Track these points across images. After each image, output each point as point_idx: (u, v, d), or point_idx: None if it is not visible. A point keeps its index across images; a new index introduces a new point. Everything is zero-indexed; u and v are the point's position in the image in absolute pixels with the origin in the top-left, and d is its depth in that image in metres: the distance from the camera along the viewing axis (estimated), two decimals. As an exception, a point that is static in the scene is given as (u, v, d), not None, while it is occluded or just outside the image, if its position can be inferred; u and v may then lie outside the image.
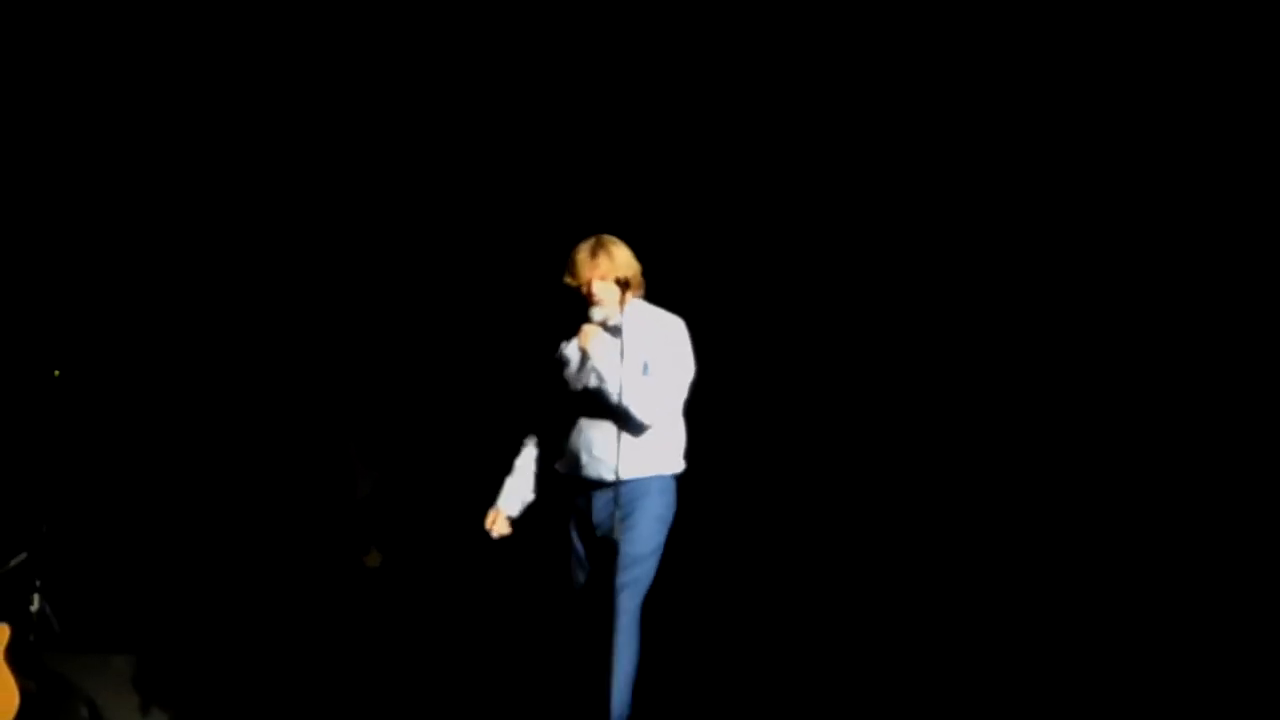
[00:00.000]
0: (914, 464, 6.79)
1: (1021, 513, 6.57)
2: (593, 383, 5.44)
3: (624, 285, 5.39)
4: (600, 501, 5.41)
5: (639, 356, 5.41)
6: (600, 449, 5.39)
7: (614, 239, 5.48)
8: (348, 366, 7.51)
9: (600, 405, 5.39)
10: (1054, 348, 6.60)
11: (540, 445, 5.60)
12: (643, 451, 5.39)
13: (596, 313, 5.45)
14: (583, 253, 5.45)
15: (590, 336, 5.44)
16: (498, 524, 5.55)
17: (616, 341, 5.40)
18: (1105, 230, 6.51)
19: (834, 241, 6.99)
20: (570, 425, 5.47)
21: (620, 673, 5.25)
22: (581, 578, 5.46)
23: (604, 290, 5.43)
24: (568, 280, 5.45)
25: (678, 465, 5.51)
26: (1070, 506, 6.49)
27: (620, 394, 5.32)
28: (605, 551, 5.35)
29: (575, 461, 5.46)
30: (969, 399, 6.73)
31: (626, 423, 5.34)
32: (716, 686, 6.32)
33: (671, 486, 5.46)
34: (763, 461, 7.01)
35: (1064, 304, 6.58)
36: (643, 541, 5.35)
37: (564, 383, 5.54)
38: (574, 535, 5.50)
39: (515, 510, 5.59)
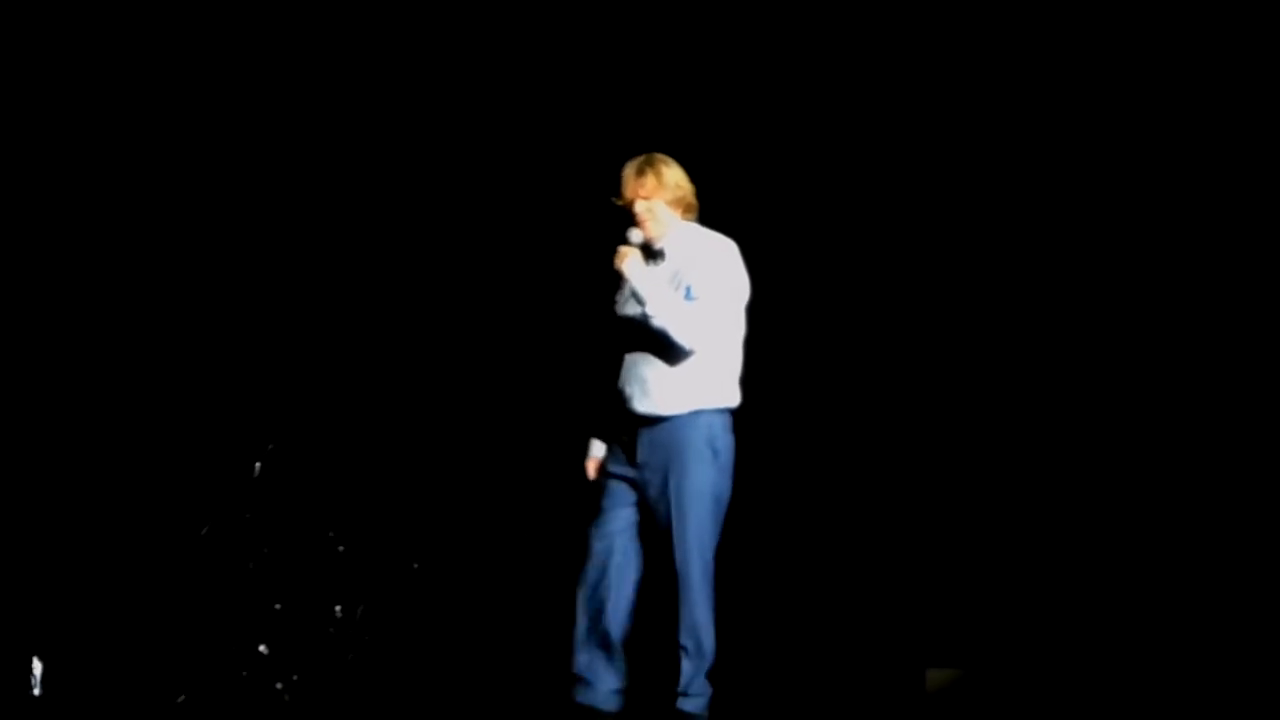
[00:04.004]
0: (918, 461, 6.68)
1: (1024, 509, 6.46)
2: (633, 309, 5.14)
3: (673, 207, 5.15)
4: (645, 438, 5.12)
5: (682, 280, 5.11)
6: (650, 383, 5.10)
7: (665, 158, 5.18)
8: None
9: (647, 336, 5.08)
10: (1059, 347, 6.49)
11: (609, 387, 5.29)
12: (690, 385, 5.07)
13: (634, 234, 5.16)
14: (629, 170, 5.17)
15: (625, 257, 5.14)
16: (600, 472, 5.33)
17: (657, 264, 5.16)
18: (1106, 230, 6.40)
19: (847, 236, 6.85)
20: (621, 361, 5.20)
21: (687, 642, 5.02)
22: (611, 508, 5.18)
23: (647, 211, 5.14)
24: (615, 200, 5.19)
25: (729, 400, 5.15)
26: (1071, 505, 6.38)
27: (659, 316, 5.04)
28: (655, 498, 5.11)
29: (622, 396, 5.16)
30: (973, 394, 6.62)
31: (672, 350, 5.06)
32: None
33: (720, 422, 5.11)
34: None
35: (1067, 303, 6.48)
36: (693, 484, 5.05)
37: (618, 320, 5.24)
38: (612, 467, 5.21)
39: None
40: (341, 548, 6.85)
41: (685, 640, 5.04)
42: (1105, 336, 6.45)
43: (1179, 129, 6.28)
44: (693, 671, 5.05)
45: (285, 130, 7.23)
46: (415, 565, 6.82)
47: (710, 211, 5.31)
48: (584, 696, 5.14)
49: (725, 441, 5.13)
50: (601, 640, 5.15)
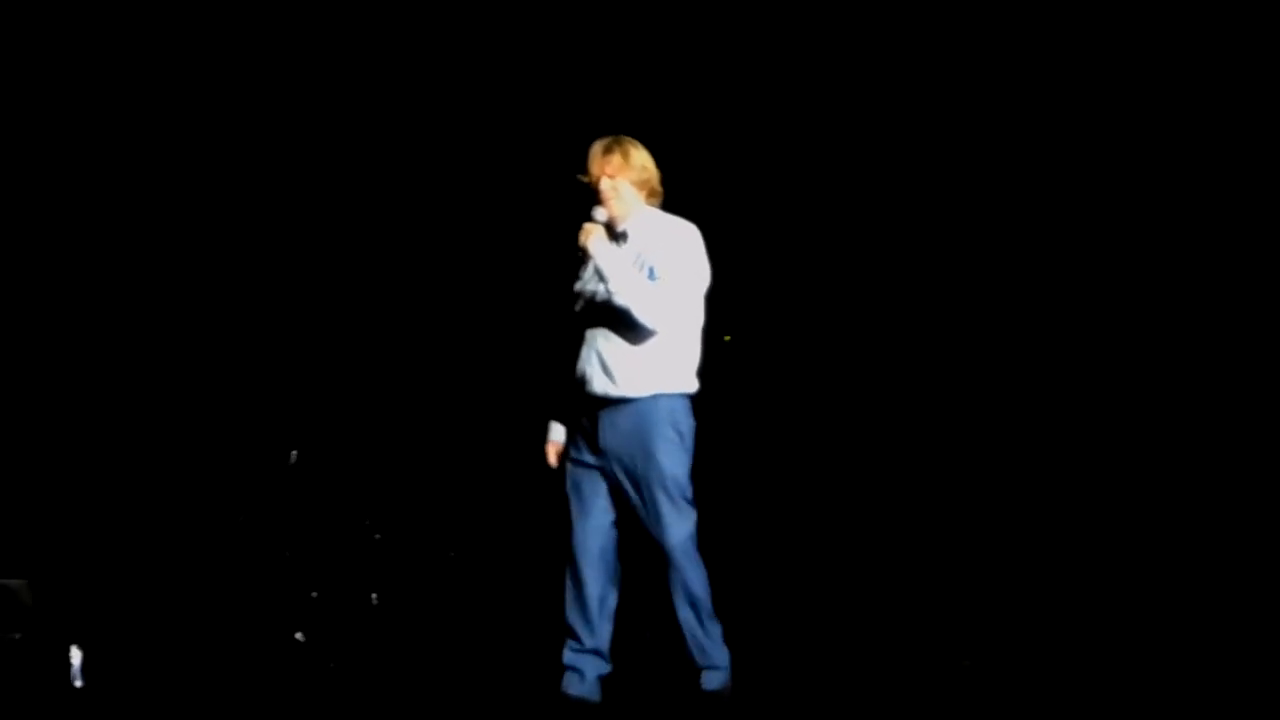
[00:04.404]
0: (917, 459, 6.69)
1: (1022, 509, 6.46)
2: (596, 286, 5.09)
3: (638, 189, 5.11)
4: (607, 421, 5.07)
5: (645, 261, 5.06)
6: (608, 363, 5.04)
7: (633, 140, 5.15)
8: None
9: (608, 315, 5.04)
10: (1056, 347, 6.50)
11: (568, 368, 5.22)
12: (652, 367, 5.03)
13: (599, 213, 5.10)
14: (597, 147, 5.13)
15: (590, 234, 5.08)
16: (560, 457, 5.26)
17: (620, 246, 5.10)
18: (1105, 230, 6.40)
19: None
20: (582, 342, 5.13)
21: (688, 617, 5.00)
22: (585, 500, 5.14)
23: (611, 190, 5.09)
24: (580, 176, 5.13)
25: (690, 384, 5.11)
26: (1071, 506, 6.37)
27: (622, 293, 4.99)
28: (624, 483, 5.06)
29: (583, 377, 5.10)
30: (971, 393, 6.64)
31: (633, 330, 5.01)
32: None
33: (682, 405, 5.08)
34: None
35: (1065, 304, 6.49)
36: (663, 467, 5.01)
37: (578, 299, 5.19)
38: (577, 455, 5.16)
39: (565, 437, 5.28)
40: (378, 535, 6.91)
41: (685, 616, 5.02)
42: (1116, 316, 6.47)
43: (1179, 129, 6.29)
44: (704, 638, 5.04)
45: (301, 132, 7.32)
46: (451, 553, 6.88)
47: (675, 200, 5.27)
48: (576, 688, 5.16)
49: (688, 424, 5.10)
50: (589, 635, 5.16)
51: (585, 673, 5.17)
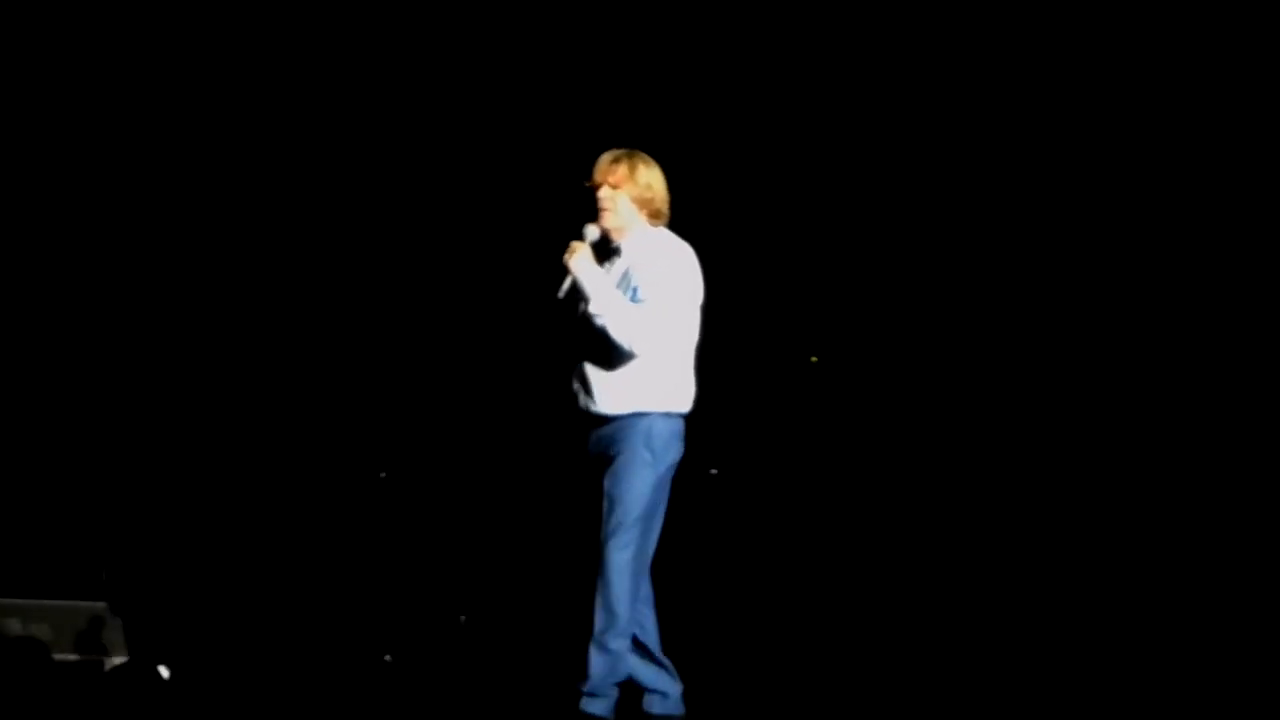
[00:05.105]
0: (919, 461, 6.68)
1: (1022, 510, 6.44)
2: (583, 307, 5.04)
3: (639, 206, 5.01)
4: (593, 436, 5.05)
5: (632, 280, 4.99)
6: (591, 381, 5.01)
7: (647, 157, 5.06)
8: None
9: (593, 334, 4.98)
10: (1055, 347, 6.50)
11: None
12: (633, 386, 4.97)
13: (590, 231, 5.03)
14: (606, 155, 5.06)
15: (575, 253, 5.01)
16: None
17: (612, 263, 5.05)
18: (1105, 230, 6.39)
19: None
20: (575, 358, 5.10)
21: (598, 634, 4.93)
22: (591, 513, 5.06)
23: (610, 199, 5.01)
24: (585, 182, 5.06)
25: (674, 404, 5.02)
26: (1070, 506, 6.34)
27: (602, 314, 4.93)
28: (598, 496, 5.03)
29: (574, 395, 5.09)
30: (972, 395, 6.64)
31: (614, 350, 4.94)
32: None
33: (663, 426, 4.98)
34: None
35: (1065, 304, 6.49)
36: (625, 485, 4.95)
37: (570, 315, 5.14)
38: (580, 467, 5.13)
39: None
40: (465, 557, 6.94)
41: (597, 624, 4.96)
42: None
43: (1179, 129, 6.25)
44: (596, 651, 4.96)
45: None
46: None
47: (690, 223, 5.20)
48: (661, 707, 5.09)
49: (664, 444, 5.00)
50: (648, 653, 5.09)
51: (668, 693, 5.11)
